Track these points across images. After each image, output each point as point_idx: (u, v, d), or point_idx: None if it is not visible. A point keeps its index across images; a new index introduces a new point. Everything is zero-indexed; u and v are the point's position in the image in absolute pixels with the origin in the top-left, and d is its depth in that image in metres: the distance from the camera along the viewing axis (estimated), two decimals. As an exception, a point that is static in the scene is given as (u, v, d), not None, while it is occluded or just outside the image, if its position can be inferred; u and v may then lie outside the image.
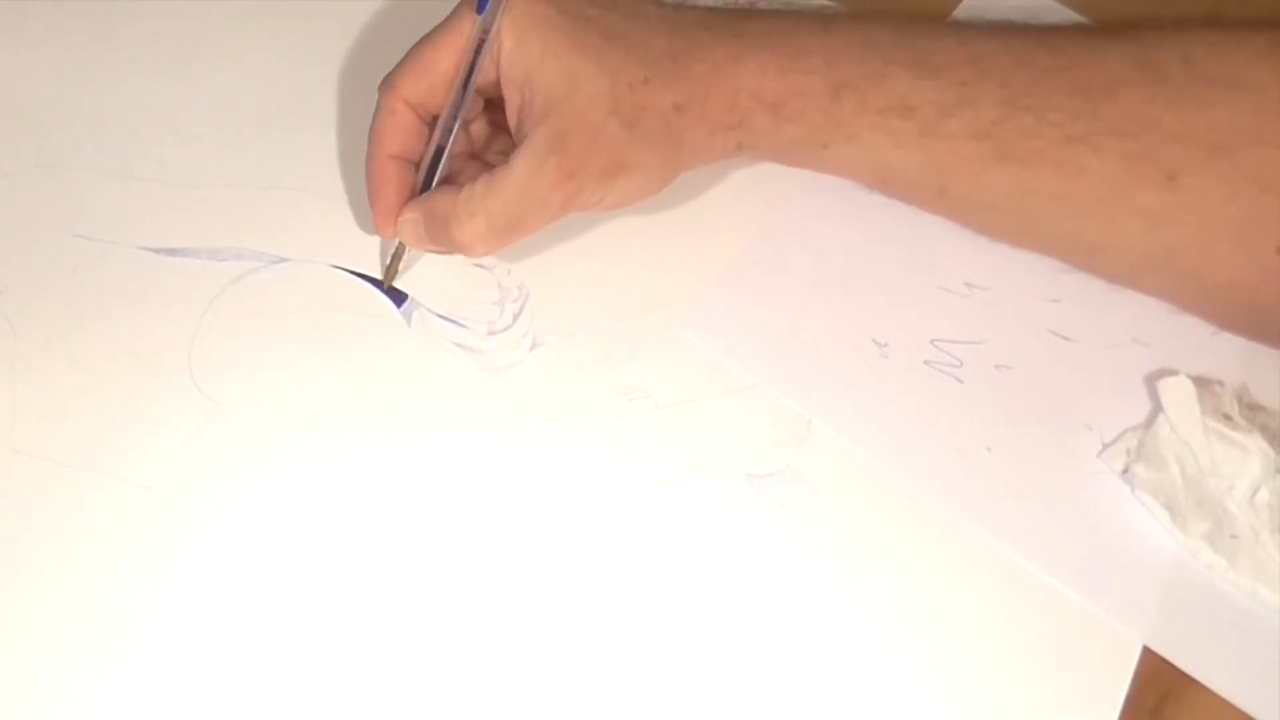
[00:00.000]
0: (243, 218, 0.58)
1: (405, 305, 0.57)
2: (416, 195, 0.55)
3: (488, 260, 0.58)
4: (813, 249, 0.58)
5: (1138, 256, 0.53)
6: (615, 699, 0.49)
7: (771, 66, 0.53)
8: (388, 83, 0.54)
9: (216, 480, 0.53)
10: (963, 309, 0.57)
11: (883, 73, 0.53)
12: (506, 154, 0.53)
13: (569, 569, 0.52)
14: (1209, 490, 0.51)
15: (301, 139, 0.60)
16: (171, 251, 0.57)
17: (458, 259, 0.57)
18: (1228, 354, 0.56)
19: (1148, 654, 0.51)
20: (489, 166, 0.54)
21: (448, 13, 0.54)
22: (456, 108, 0.54)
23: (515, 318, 0.57)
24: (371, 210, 0.55)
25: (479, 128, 0.57)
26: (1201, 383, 0.53)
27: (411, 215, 0.54)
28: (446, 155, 0.55)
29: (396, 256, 0.56)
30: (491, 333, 0.56)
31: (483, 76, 0.53)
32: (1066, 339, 0.56)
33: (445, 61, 0.53)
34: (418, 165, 0.55)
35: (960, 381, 0.55)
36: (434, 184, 0.55)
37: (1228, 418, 0.52)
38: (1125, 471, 0.53)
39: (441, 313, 0.57)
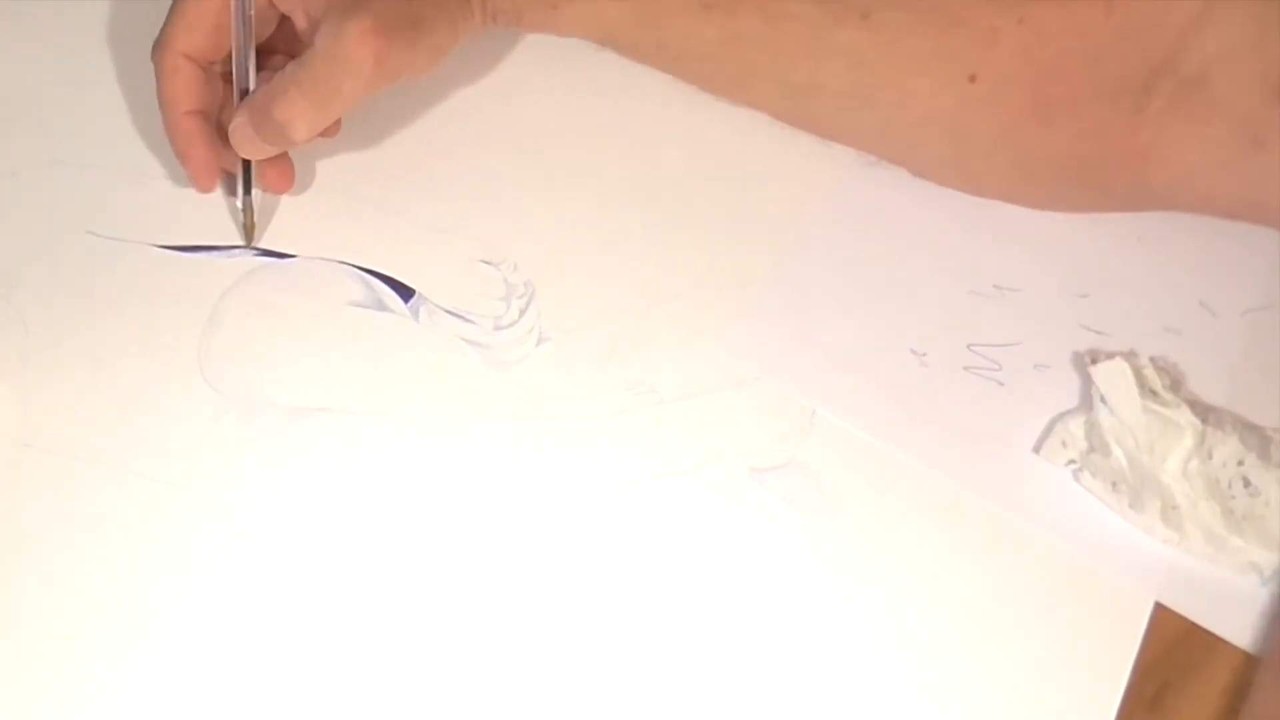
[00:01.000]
0: (266, 209, 0.58)
1: (413, 300, 0.57)
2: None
3: (494, 256, 0.58)
4: (837, 262, 0.58)
5: (844, 96, 0.56)
6: (621, 691, 0.50)
7: None
8: (160, 44, 0.55)
9: (226, 474, 0.53)
10: (994, 311, 0.57)
11: None
12: None
13: (575, 562, 0.52)
14: (1146, 468, 0.52)
15: (309, 136, 0.60)
16: (182, 248, 0.57)
17: (459, 257, 0.57)
18: (1264, 338, 0.57)
19: (1147, 645, 0.51)
20: None
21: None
22: (244, 40, 0.54)
23: (522, 313, 0.57)
24: (186, 170, 0.56)
25: (265, 78, 0.57)
26: (1126, 359, 0.54)
27: (239, 119, 0.55)
28: (253, 90, 0.55)
29: (248, 209, 0.57)
30: (498, 328, 0.57)
31: (256, 11, 0.54)
32: (1099, 333, 0.57)
33: (213, 3, 0.54)
34: (219, 117, 0.56)
35: (1001, 384, 0.56)
36: None
37: (1154, 393, 0.53)
38: (1071, 464, 0.53)
39: (449, 308, 0.57)
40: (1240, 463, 0.51)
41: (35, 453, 0.53)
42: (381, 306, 0.57)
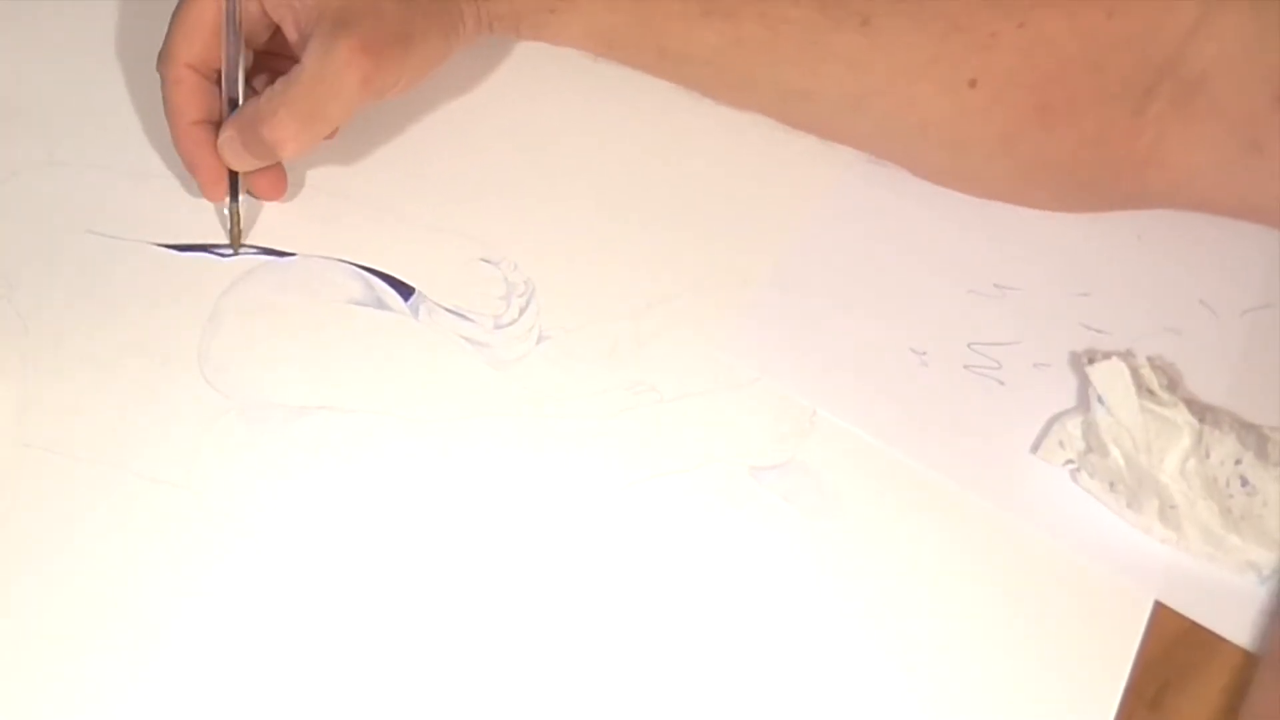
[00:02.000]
0: (251, 213, 0.58)
1: (412, 299, 0.57)
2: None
3: (495, 255, 0.58)
4: (836, 261, 0.58)
5: (843, 100, 0.56)
6: (621, 690, 0.50)
7: None
8: (163, 55, 0.55)
9: (226, 474, 0.53)
10: (995, 310, 0.57)
11: None
12: None
13: (575, 561, 0.52)
14: (1144, 467, 0.52)
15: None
16: (182, 247, 0.57)
17: (459, 255, 0.58)
18: (1264, 337, 0.57)
19: (1147, 645, 0.51)
20: None
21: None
22: (233, 50, 0.54)
23: (522, 311, 0.57)
24: (196, 179, 0.56)
25: (265, 81, 0.57)
26: (1123, 360, 0.54)
27: (228, 133, 0.55)
28: (242, 101, 0.55)
29: (234, 215, 0.57)
30: (498, 326, 0.57)
31: (249, 20, 0.54)
32: (1099, 331, 0.57)
33: (209, 13, 0.54)
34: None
35: (1002, 384, 0.56)
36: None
37: (1152, 393, 0.53)
38: (1069, 464, 0.53)
39: (449, 306, 0.57)
40: (1238, 462, 0.51)
41: (35, 453, 0.53)
42: (381, 305, 0.57)
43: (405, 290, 0.57)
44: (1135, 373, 0.53)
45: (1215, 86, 0.52)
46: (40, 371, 0.55)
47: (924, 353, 0.56)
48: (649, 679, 0.50)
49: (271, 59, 0.58)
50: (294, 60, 0.54)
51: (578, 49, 0.57)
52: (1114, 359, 0.53)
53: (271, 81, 0.54)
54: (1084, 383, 0.54)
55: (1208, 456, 0.52)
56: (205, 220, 0.58)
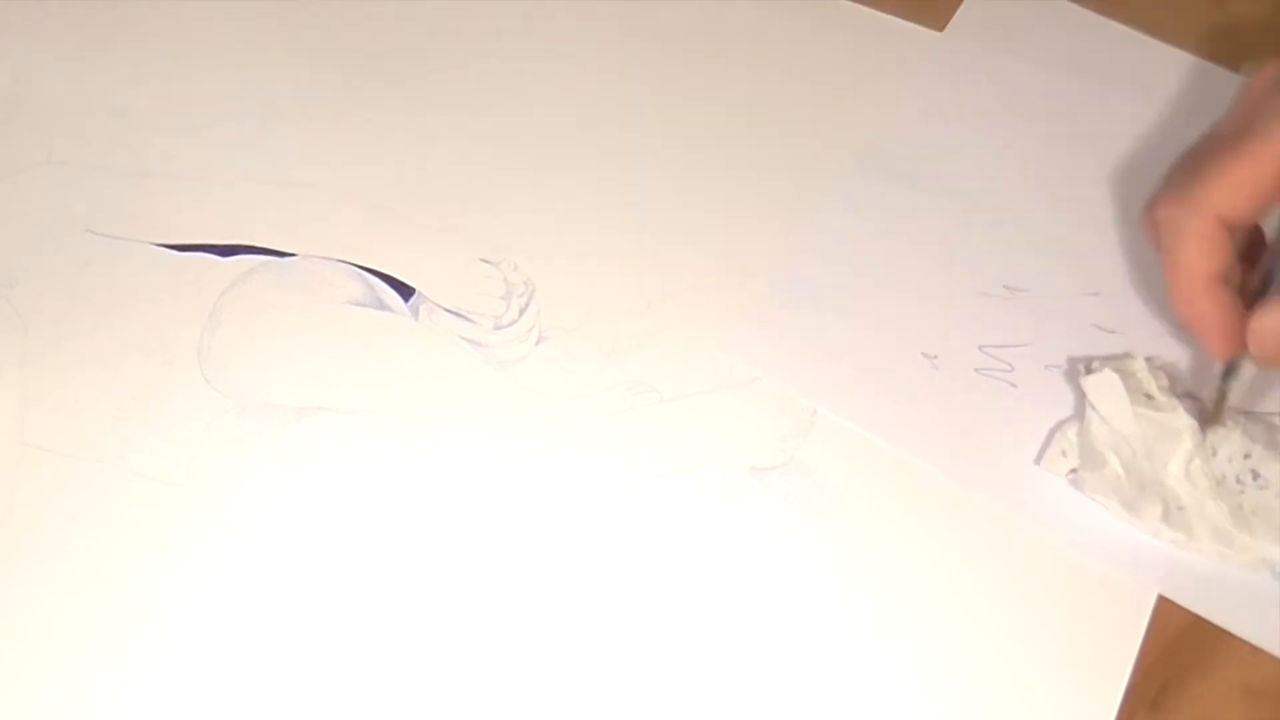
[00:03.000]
0: (252, 213, 0.58)
1: (412, 299, 0.57)
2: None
3: (494, 255, 0.58)
4: (844, 264, 0.58)
5: None
6: (621, 690, 0.50)
7: None
8: (1192, 201, 0.49)
9: (226, 474, 0.53)
10: (1005, 312, 0.57)
11: None
12: None
13: (575, 561, 0.52)
14: (1146, 473, 0.52)
15: (310, 134, 0.60)
16: (181, 247, 0.58)
17: (459, 256, 0.58)
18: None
19: (1148, 645, 0.51)
20: None
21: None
22: None
23: (521, 312, 0.57)
24: (1208, 338, 0.51)
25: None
26: (1120, 366, 0.53)
27: (1274, 322, 0.49)
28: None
29: (1223, 391, 0.53)
30: (498, 327, 0.57)
31: None
32: (1110, 332, 0.56)
33: (1264, 170, 0.49)
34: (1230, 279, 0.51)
35: (1014, 386, 0.55)
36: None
37: (1149, 397, 0.53)
38: (1072, 473, 0.53)
39: (449, 307, 0.57)
40: (1247, 455, 0.51)
41: (35, 453, 0.53)
42: (381, 305, 0.57)
43: (405, 291, 0.57)
44: (1132, 377, 0.53)
45: None
46: (40, 371, 0.55)
47: (935, 356, 0.56)
48: (650, 680, 0.50)
49: None
50: None
51: None
52: (1106, 370, 0.53)
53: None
54: (1080, 390, 0.54)
55: (1214, 454, 0.52)
56: (205, 220, 0.58)
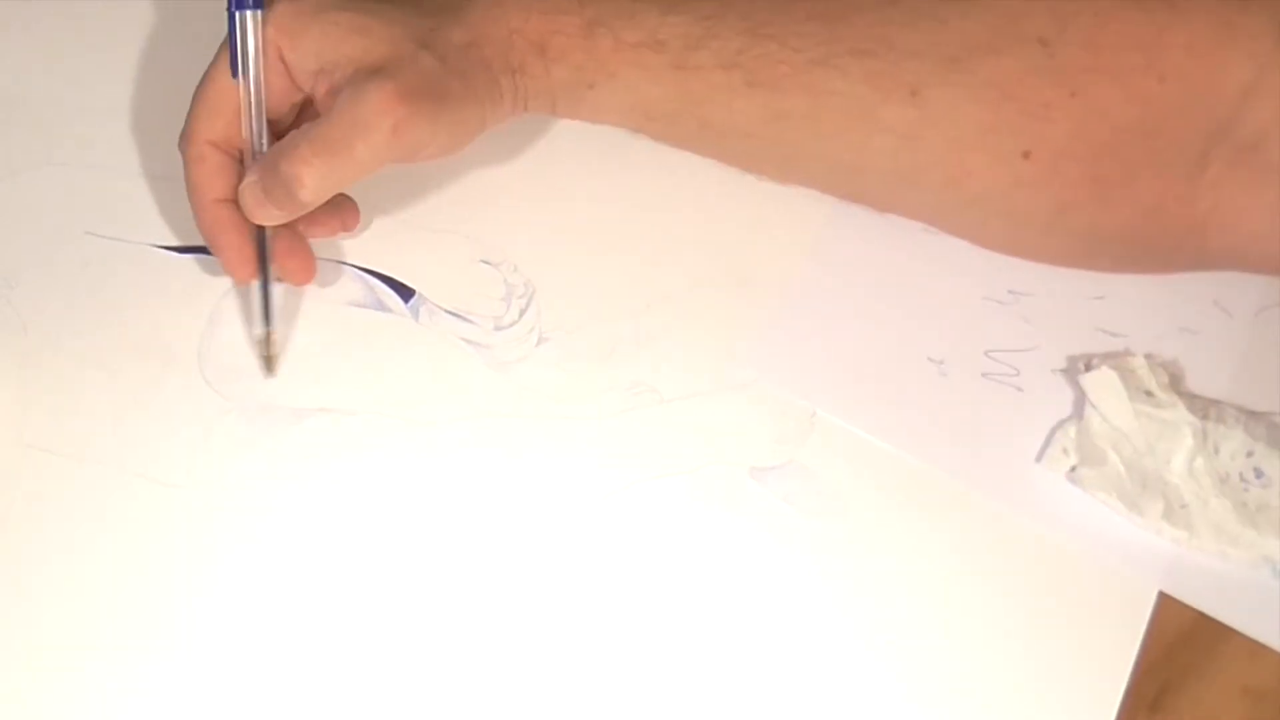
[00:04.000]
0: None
1: (413, 301, 0.57)
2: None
3: (495, 256, 0.58)
4: (850, 273, 0.58)
5: (894, 174, 0.54)
6: (622, 690, 0.50)
7: (534, 9, 0.53)
8: (185, 135, 0.54)
9: (226, 474, 0.53)
10: (1010, 317, 0.57)
11: (632, 9, 0.53)
12: None
13: (575, 562, 0.52)
14: (1148, 470, 0.52)
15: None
16: (182, 248, 0.58)
17: (459, 257, 0.58)
18: (1275, 333, 0.56)
19: (1147, 646, 0.51)
20: None
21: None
22: (258, 125, 0.53)
23: (522, 313, 0.57)
24: (220, 259, 0.54)
25: None
26: (1119, 364, 0.54)
27: (249, 178, 0.52)
28: None
29: (268, 341, 0.55)
30: (498, 328, 0.57)
31: (275, 94, 0.53)
32: (1114, 334, 0.56)
33: (231, 90, 0.53)
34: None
35: (1020, 390, 0.56)
36: None
37: (1149, 394, 0.53)
38: (1073, 471, 0.53)
39: (449, 308, 0.57)
40: (1249, 454, 0.52)
41: (35, 453, 0.53)
42: (381, 306, 0.57)
43: (405, 292, 0.57)
44: (1132, 374, 0.53)
45: (1272, 147, 0.51)
46: (40, 372, 0.55)
47: (942, 361, 0.56)
48: (650, 680, 0.50)
49: None
50: None
51: (615, 125, 0.55)
52: (1104, 367, 0.53)
53: None
54: (1078, 390, 0.54)
55: (1217, 453, 0.52)
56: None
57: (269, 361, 0.55)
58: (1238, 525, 0.51)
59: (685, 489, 0.53)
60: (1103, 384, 0.53)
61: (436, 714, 0.49)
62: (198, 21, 0.63)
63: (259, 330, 0.55)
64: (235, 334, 0.56)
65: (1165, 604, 0.52)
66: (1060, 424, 0.54)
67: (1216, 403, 0.54)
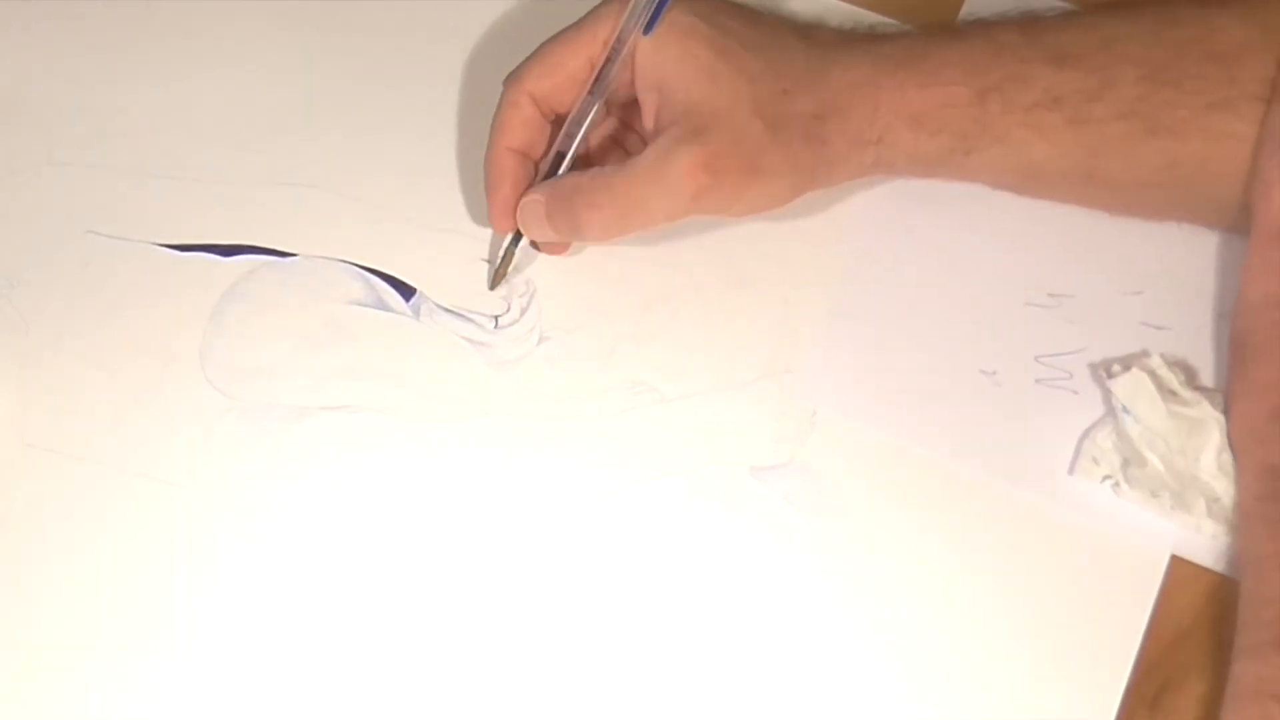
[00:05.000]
0: (253, 213, 0.58)
1: (413, 299, 0.57)
2: None
3: (495, 255, 0.58)
4: (890, 290, 0.57)
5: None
6: (622, 690, 0.50)
7: (911, 84, 0.53)
8: (514, 76, 0.54)
9: (227, 474, 0.53)
10: (1054, 320, 0.57)
11: (1023, 71, 0.53)
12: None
13: (575, 561, 0.52)
14: (1182, 469, 0.52)
15: (311, 135, 0.60)
16: (183, 247, 0.58)
17: (460, 256, 0.58)
18: None
19: (1147, 645, 0.51)
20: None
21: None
22: (587, 108, 0.54)
23: (523, 312, 0.57)
24: (487, 201, 0.55)
25: (602, 134, 0.57)
26: (1141, 366, 0.53)
27: (535, 197, 0.54)
28: (571, 156, 0.54)
29: (507, 258, 0.56)
30: (499, 327, 0.57)
31: (616, 78, 0.53)
32: (1160, 328, 0.56)
33: (575, 60, 0.53)
34: (537, 163, 0.55)
35: (1075, 393, 0.55)
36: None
37: (1174, 393, 0.53)
38: (1106, 479, 0.53)
39: (449, 307, 0.57)
40: None
41: (35, 453, 0.53)
42: (382, 305, 0.57)
43: (406, 291, 0.57)
44: (1154, 375, 0.53)
45: None
46: (40, 371, 0.55)
47: (994, 372, 0.56)
48: (651, 679, 0.50)
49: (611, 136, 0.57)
50: (625, 145, 0.54)
51: (984, 184, 0.56)
52: (1133, 369, 0.53)
53: (588, 155, 0.55)
54: (1108, 393, 0.54)
55: None
56: (205, 220, 0.58)
57: (499, 275, 0.56)
58: None
59: (685, 488, 0.53)
60: (1135, 387, 0.53)
61: (436, 713, 0.49)
62: (198, 21, 0.63)
63: (505, 244, 0.56)
64: (237, 333, 0.56)
65: (1166, 603, 0.52)
66: (1087, 432, 0.54)
67: None
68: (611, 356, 0.56)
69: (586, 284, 0.58)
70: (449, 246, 0.58)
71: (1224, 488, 0.52)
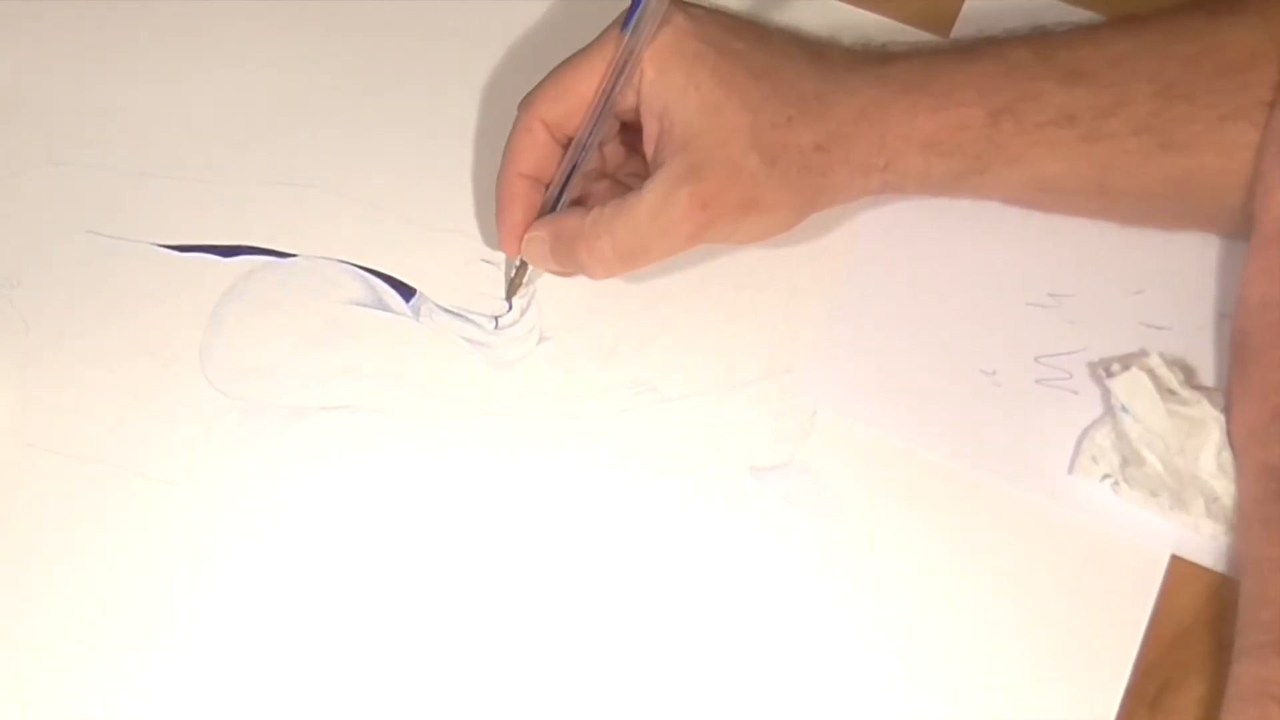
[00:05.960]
0: (253, 213, 0.58)
1: (413, 300, 0.57)
2: (544, 214, 0.55)
3: (496, 255, 0.58)
4: (891, 291, 0.57)
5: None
6: (622, 689, 0.50)
7: (922, 107, 0.53)
8: (527, 102, 0.54)
9: (227, 474, 0.53)
10: (1054, 320, 0.57)
11: (1035, 90, 0.53)
12: (639, 176, 0.53)
13: (575, 561, 0.52)
14: (1182, 469, 0.52)
15: (311, 135, 0.60)
16: (183, 247, 0.58)
17: (460, 256, 0.58)
18: None
19: (1147, 645, 0.51)
20: (619, 186, 0.55)
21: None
22: (591, 133, 0.54)
23: (523, 312, 0.57)
24: (498, 227, 0.55)
25: (613, 149, 0.57)
26: (1140, 365, 0.53)
27: (538, 234, 0.54)
28: (577, 177, 0.54)
29: (520, 271, 0.56)
30: (499, 327, 0.57)
31: (622, 102, 0.53)
32: (1160, 328, 0.56)
33: (586, 84, 0.53)
34: (547, 185, 0.55)
35: (1075, 393, 0.55)
36: (561, 205, 0.55)
37: (1172, 392, 0.53)
38: (1105, 478, 0.53)
39: (449, 307, 0.57)
40: None
41: (36, 453, 0.53)
42: (382, 305, 0.57)
43: (406, 291, 0.57)
44: (1152, 374, 0.53)
45: None
46: (40, 371, 0.55)
47: (994, 372, 0.56)
48: (651, 679, 0.50)
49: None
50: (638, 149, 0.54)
51: (998, 200, 0.56)
52: (1133, 369, 0.53)
53: (619, 152, 0.55)
54: (1106, 392, 0.54)
55: None
56: (205, 221, 0.58)
57: (514, 287, 0.57)
58: None
59: (685, 488, 0.53)
60: (1134, 386, 0.53)
61: (437, 713, 0.49)
62: (198, 21, 0.63)
63: (517, 261, 0.56)
64: (237, 333, 0.56)
65: (1165, 603, 0.52)
66: (1086, 432, 0.54)
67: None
68: (611, 356, 0.56)
69: (586, 284, 0.58)
70: (449, 246, 0.58)
71: (1223, 487, 0.52)
